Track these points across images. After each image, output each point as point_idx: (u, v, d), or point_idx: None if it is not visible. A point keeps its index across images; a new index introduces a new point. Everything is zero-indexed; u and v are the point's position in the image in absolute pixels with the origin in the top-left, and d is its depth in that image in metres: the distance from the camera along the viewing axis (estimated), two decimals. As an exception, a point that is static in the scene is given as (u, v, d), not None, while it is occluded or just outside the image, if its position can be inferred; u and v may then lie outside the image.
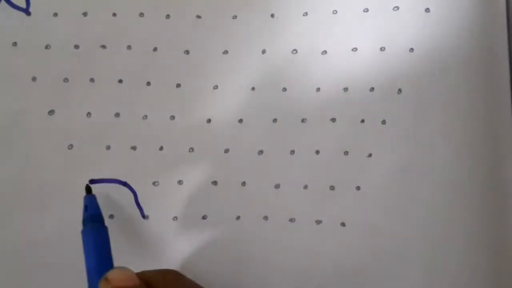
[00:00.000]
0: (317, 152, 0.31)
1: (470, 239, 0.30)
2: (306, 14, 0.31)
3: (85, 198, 0.28)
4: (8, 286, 0.30)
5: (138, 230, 0.31)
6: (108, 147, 0.31)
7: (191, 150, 0.31)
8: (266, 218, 0.30)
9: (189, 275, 0.28)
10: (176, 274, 0.26)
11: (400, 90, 0.31)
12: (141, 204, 0.30)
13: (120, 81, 0.31)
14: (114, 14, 0.31)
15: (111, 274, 0.23)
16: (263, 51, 0.31)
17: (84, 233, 0.27)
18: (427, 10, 0.31)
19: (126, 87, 0.31)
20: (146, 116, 0.31)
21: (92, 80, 0.31)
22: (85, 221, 0.27)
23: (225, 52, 0.31)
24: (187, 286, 0.25)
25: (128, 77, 0.31)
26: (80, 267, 0.30)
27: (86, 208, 0.28)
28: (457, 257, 0.30)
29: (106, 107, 0.31)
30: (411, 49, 0.31)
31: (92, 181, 0.30)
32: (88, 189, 0.29)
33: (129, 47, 0.31)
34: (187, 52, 0.31)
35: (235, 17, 0.31)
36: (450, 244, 0.30)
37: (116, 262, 0.26)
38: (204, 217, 0.30)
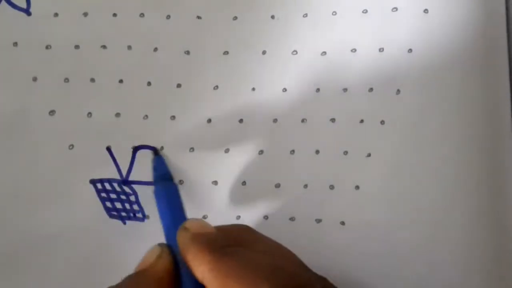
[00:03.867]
0: (317, 152, 0.31)
1: (470, 239, 0.30)
2: (306, 15, 0.31)
3: (154, 160, 0.29)
4: (9, 286, 0.30)
5: (138, 231, 0.31)
6: (108, 147, 0.31)
7: (191, 150, 0.31)
8: (266, 217, 0.31)
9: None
10: (248, 228, 0.26)
11: (399, 90, 0.31)
12: (142, 204, 0.30)
13: (121, 81, 0.31)
14: (115, 14, 0.31)
15: (189, 223, 0.23)
16: (263, 52, 0.31)
17: (156, 191, 0.27)
18: (426, 11, 0.31)
19: (126, 87, 0.31)
20: (146, 116, 0.31)
21: (92, 80, 0.31)
22: (156, 181, 0.28)
23: (226, 52, 0.31)
24: (259, 239, 0.24)
25: (129, 77, 0.31)
26: (80, 266, 0.30)
27: (155, 168, 0.28)
28: (456, 257, 0.30)
29: (107, 107, 0.31)
30: (410, 50, 0.31)
31: (92, 181, 0.30)
32: (156, 152, 0.30)
33: (129, 47, 0.31)
34: (187, 52, 0.31)
35: (235, 18, 0.31)
36: (450, 243, 0.30)
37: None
38: (204, 217, 0.31)
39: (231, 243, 0.22)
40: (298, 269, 0.23)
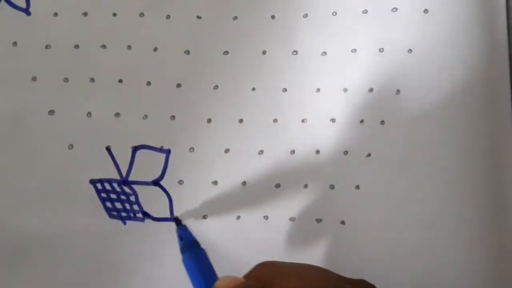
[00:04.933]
0: (317, 152, 0.31)
1: (469, 239, 0.30)
2: (306, 15, 0.31)
3: (178, 230, 0.30)
4: (9, 286, 0.30)
5: (138, 231, 0.31)
6: (108, 147, 0.31)
7: (191, 150, 0.31)
8: (266, 217, 0.31)
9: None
10: (270, 263, 0.26)
11: (398, 90, 0.31)
12: (143, 205, 0.30)
13: (120, 81, 0.31)
14: (114, 14, 0.31)
15: (219, 282, 0.24)
16: (264, 52, 0.31)
17: (185, 260, 0.28)
18: (426, 11, 0.31)
19: (126, 87, 0.31)
20: (146, 116, 0.31)
21: (92, 80, 0.31)
22: (183, 250, 0.28)
23: (226, 52, 0.31)
24: (285, 270, 0.25)
25: (128, 77, 0.31)
26: (80, 266, 0.30)
27: (180, 237, 0.29)
28: (456, 257, 0.30)
29: (106, 107, 0.31)
30: (410, 50, 0.31)
31: (92, 181, 0.30)
32: (178, 222, 0.30)
33: (129, 47, 0.31)
34: (187, 52, 0.31)
35: (235, 18, 0.31)
36: (450, 243, 0.30)
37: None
38: (204, 217, 0.31)
39: (262, 285, 0.23)
40: (332, 282, 0.23)
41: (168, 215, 0.31)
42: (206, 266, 0.27)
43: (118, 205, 0.31)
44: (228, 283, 0.23)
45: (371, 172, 0.31)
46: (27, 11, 0.31)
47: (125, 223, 0.31)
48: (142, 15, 0.31)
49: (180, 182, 0.31)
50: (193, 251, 0.28)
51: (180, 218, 0.30)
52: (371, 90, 0.31)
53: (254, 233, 0.30)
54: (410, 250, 0.30)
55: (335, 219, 0.31)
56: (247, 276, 0.24)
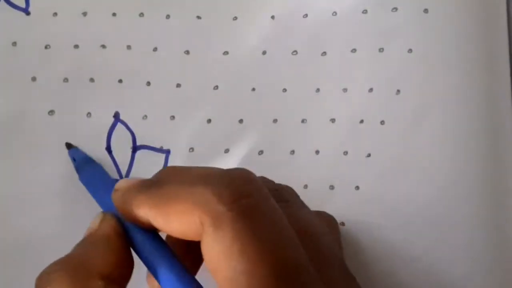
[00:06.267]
0: (317, 152, 0.31)
1: (470, 239, 0.30)
2: (306, 15, 0.31)
3: (69, 153, 0.28)
4: (9, 286, 0.30)
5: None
6: (108, 147, 0.31)
7: (191, 150, 0.31)
8: (266, 217, 0.31)
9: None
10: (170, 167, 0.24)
11: (398, 91, 0.31)
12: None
13: (120, 81, 0.31)
14: (114, 14, 0.31)
15: (116, 185, 0.23)
16: (264, 52, 0.31)
17: (83, 179, 0.27)
18: (426, 11, 0.31)
19: (126, 87, 0.31)
20: (146, 116, 0.31)
21: (92, 80, 0.31)
22: (78, 169, 0.27)
23: (225, 52, 0.31)
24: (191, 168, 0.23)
25: (128, 77, 0.31)
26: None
27: (74, 159, 0.28)
28: (457, 257, 0.30)
29: (106, 107, 0.31)
30: (410, 50, 0.31)
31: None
32: (69, 145, 0.29)
33: (129, 47, 0.31)
34: (187, 52, 0.31)
35: (235, 18, 0.31)
36: (450, 243, 0.30)
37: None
38: (204, 217, 0.31)
39: (161, 179, 0.22)
40: None
41: (168, 215, 0.31)
42: (106, 177, 0.26)
43: (118, 205, 0.31)
44: (126, 183, 0.22)
45: (371, 173, 0.31)
46: (26, 11, 0.31)
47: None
48: (142, 15, 0.31)
49: (180, 182, 0.31)
50: (89, 167, 0.27)
51: (70, 143, 0.29)
52: (371, 90, 0.31)
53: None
54: (410, 249, 0.30)
55: (335, 220, 0.31)
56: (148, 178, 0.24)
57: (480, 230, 0.30)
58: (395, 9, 0.31)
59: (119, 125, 0.31)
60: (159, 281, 0.21)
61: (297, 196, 0.26)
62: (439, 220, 0.30)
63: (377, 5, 0.31)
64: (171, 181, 0.21)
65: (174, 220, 0.19)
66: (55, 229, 0.30)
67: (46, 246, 0.30)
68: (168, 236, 0.23)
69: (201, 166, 0.23)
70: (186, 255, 0.22)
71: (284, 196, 0.25)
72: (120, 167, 0.31)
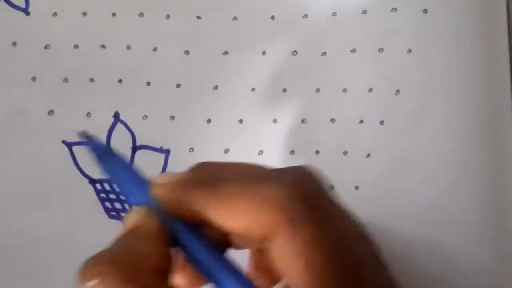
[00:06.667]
0: (317, 152, 0.31)
1: (470, 239, 0.30)
2: (306, 16, 0.31)
3: (89, 144, 0.25)
4: (9, 286, 0.30)
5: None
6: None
7: (191, 150, 0.31)
8: (266, 217, 0.31)
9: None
10: (205, 162, 0.23)
11: (398, 91, 0.31)
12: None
13: (120, 81, 0.31)
14: (114, 14, 0.31)
15: (159, 178, 0.21)
16: (263, 52, 0.31)
17: (108, 169, 0.24)
18: (425, 11, 0.31)
19: (125, 87, 0.31)
20: (146, 116, 0.31)
21: (92, 80, 0.31)
22: (101, 159, 0.25)
23: (225, 52, 0.31)
24: (225, 163, 0.22)
25: (128, 77, 0.31)
26: (80, 266, 0.30)
27: (94, 150, 0.25)
28: (458, 257, 0.30)
29: (106, 107, 0.31)
30: (409, 50, 0.31)
31: (92, 181, 0.30)
32: (85, 135, 0.26)
33: (129, 47, 0.31)
34: (187, 52, 0.31)
35: (235, 18, 0.31)
36: (451, 243, 0.30)
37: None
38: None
39: (214, 175, 0.21)
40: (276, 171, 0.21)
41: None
42: (132, 169, 0.24)
43: (118, 205, 0.31)
44: (171, 178, 0.21)
45: (371, 172, 0.31)
46: (26, 11, 0.31)
47: (125, 223, 0.31)
48: (141, 15, 0.31)
49: (180, 182, 0.31)
50: (113, 157, 0.25)
51: (87, 132, 0.26)
52: (370, 90, 0.31)
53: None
54: (410, 249, 0.30)
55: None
56: (190, 172, 0.22)
57: (480, 230, 0.30)
58: (395, 9, 0.31)
59: (119, 125, 0.31)
60: (210, 277, 0.20)
61: None
62: (439, 220, 0.30)
63: (377, 5, 0.31)
64: (229, 177, 0.20)
65: (238, 217, 0.19)
66: (55, 228, 0.30)
67: (47, 245, 0.30)
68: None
69: (237, 162, 0.22)
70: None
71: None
72: (120, 167, 0.31)
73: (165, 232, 0.21)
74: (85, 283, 0.18)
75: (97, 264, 0.19)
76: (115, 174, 0.24)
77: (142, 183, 0.22)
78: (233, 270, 0.20)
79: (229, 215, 0.19)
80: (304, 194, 0.18)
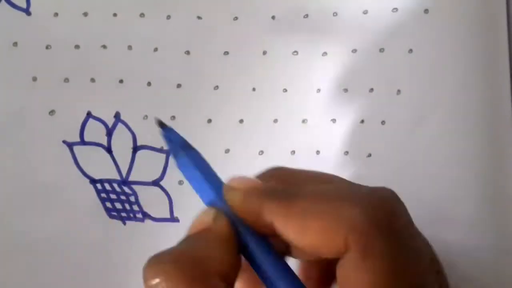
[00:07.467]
0: (317, 152, 0.31)
1: (470, 239, 0.30)
2: (306, 16, 0.31)
3: (164, 132, 0.25)
4: (9, 286, 0.30)
5: (138, 231, 0.31)
6: (108, 147, 0.31)
7: (191, 150, 0.31)
8: (266, 218, 0.31)
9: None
10: (282, 167, 0.23)
11: (399, 91, 0.31)
12: (143, 205, 0.30)
13: (121, 81, 0.31)
14: (115, 14, 0.31)
15: (234, 182, 0.21)
16: (264, 52, 0.31)
17: (181, 163, 0.24)
18: (426, 11, 0.31)
19: (126, 87, 0.31)
20: (146, 116, 0.31)
21: (92, 80, 0.31)
22: (176, 152, 0.24)
23: (226, 53, 0.31)
24: (302, 171, 0.22)
25: (129, 77, 0.31)
26: (81, 266, 0.30)
27: (170, 140, 0.25)
28: (458, 257, 0.30)
29: (107, 107, 0.31)
30: (410, 50, 0.31)
31: (92, 181, 0.30)
32: (162, 124, 0.25)
33: (129, 47, 0.31)
34: (187, 52, 0.31)
35: (235, 18, 0.31)
36: (451, 244, 0.30)
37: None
38: (204, 217, 0.31)
39: (287, 186, 0.20)
40: (355, 185, 0.22)
41: (168, 215, 0.31)
42: (208, 168, 0.23)
43: (118, 205, 0.31)
44: (246, 184, 0.21)
45: (371, 173, 0.31)
46: (27, 11, 0.31)
47: (125, 223, 0.31)
48: (142, 15, 0.31)
49: (180, 182, 0.31)
50: (188, 152, 0.24)
51: (162, 121, 0.25)
52: (371, 90, 0.31)
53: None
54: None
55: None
56: (263, 179, 0.22)
57: (480, 230, 0.30)
58: (395, 9, 0.31)
59: (119, 125, 0.31)
60: (271, 286, 0.19)
61: None
62: (439, 220, 0.30)
63: (377, 5, 0.31)
64: (304, 192, 0.19)
65: (311, 235, 0.18)
66: (55, 229, 0.30)
67: (46, 246, 0.30)
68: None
69: (312, 170, 0.22)
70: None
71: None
72: (121, 167, 0.31)
73: (235, 237, 0.20)
74: (147, 281, 0.18)
75: (161, 262, 0.18)
76: (188, 170, 0.23)
77: (215, 182, 0.22)
78: (297, 283, 0.19)
79: (302, 232, 0.19)
80: (380, 219, 0.18)
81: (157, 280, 0.18)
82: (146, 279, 0.18)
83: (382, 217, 0.18)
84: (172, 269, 0.18)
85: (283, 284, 0.19)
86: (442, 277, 0.20)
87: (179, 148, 0.24)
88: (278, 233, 0.19)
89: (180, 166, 0.24)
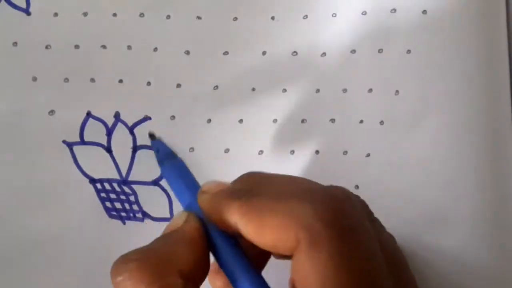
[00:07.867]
0: (317, 152, 0.31)
1: (470, 239, 0.30)
2: (306, 16, 0.31)
3: (153, 144, 0.27)
4: (9, 286, 0.30)
5: (138, 231, 0.31)
6: (108, 147, 0.31)
7: (191, 150, 0.31)
8: (266, 217, 0.31)
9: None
10: (256, 172, 0.24)
11: (398, 91, 0.31)
12: (143, 205, 0.31)
13: (121, 81, 0.31)
14: (115, 14, 0.31)
15: (205, 187, 0.23)
16: (264, 53, 0.31)
17: (165, 171, 0.26)
18: (424, 11, 0.31)
19: (126, 87, 0.31)
20: (146, 116, 0.31)
21: (92, 80, 0.31)
22: (161, 161, 0.26)
23: (226, 53, 0.31)
24: (273, 176, 0.23)
25: (129, 77, 0.31)
26: (81, 266, 0.30)
27: (157, 151, 0.27)
28: (459, 257, 0.30)
29: (107, 107, 0.31)
30: (409, 51, 0.31)
31: (92, 181, 0.30)
32: (152, 136, 0.28)
33: (129, 47, 0.31)
34: (187, 52, 0.31)
35: (235, 18, 0.31)
36: (451, 244, 0.30)
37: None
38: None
39: (253, 188, 0.21)
40: (320, 185, 0.23)
41: (167, 215, 0.31)
42: (188, 175, 0.25)
43: (118, 205, 0.31)
44: (215, 187, 0.22)
45: (371, 172, 0.31)
46: (27, 11, 0.31)
47: (124, 223, 0.31)
48: (142, 15, 0.31)
49: (180, 182, 0.31)
50: (172, 161, 0.26)
51: (153, 133, 0.28)
52: (370, 90, 0.31)
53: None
54: (410, 250, 0.30)
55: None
56: (234, 182, 0.23)
57: (480, 230, 0.30)
58: (394, 10, 0.31)
59: (119, 125, 0.31)
60: (236, 286, 0.21)
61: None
62: (439, 220, 0.30)
63: (376, 6, 0.31)
64: (264, 192, 0.21)
65: (267, 233, 0.19)
66: (55, 228, 0.30)
67: (46, 245, 0.30)
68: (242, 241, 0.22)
69: (284, 174, 0.23)
70: (256, 262, 0.22)
71: (370, 214, 0.24)
72: (120, 167, 0.31)
73: (204, 238, 0.21)
74: (112, 279, 0.19)
75: (126, 261, 0.19)
76: (170, 177, 0.25)
77: (194, 188, 0.24)
78: (257, 280, 0.20)
79: (260, 231, 0.19)
80: (328, 214, 0.19)
81: (120, 278, 0.19)
82: (111, 276, 0.19)
83: (329, 213, 0.19)
84: (135, 267, 0.19)
85: (245, 281, 0.20)
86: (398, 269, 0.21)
87: (164, 157, 0.26)
88: (241, 232, 0.20)
89: (164, 173, 0.26)
